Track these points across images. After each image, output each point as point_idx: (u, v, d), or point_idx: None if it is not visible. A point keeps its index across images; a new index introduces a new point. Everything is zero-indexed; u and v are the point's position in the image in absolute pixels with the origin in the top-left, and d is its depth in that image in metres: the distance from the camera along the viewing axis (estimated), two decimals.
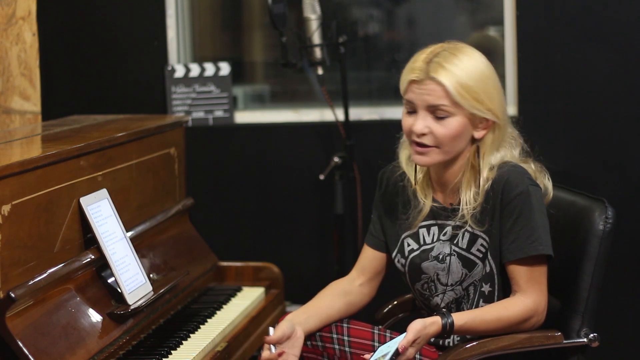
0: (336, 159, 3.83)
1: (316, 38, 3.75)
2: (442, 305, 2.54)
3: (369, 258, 2.69)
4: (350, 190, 3.85)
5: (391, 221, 2.62)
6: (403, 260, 2.58)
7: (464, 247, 2.48)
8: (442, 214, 2.52)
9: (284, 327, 2.45)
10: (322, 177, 3.87)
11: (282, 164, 4.11)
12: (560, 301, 2.58)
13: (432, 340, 2.55)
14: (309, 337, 2.54)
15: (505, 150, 2.48)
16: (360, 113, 4.02)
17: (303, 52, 3.79)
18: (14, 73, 3.64)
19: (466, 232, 2.48)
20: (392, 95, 4.11)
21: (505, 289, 2.48)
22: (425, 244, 2.54)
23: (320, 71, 3.80)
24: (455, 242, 2.49)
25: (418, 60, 2.42)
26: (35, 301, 2.35)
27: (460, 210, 2.46)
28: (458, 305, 2.52)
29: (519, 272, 2.42)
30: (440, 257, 2.51)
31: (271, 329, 2.46)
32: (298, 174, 4.09)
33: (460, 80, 2.36)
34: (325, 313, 2.59)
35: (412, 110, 2.43)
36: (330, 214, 3.93)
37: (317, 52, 3.76)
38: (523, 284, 2.42)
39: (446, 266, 2.50)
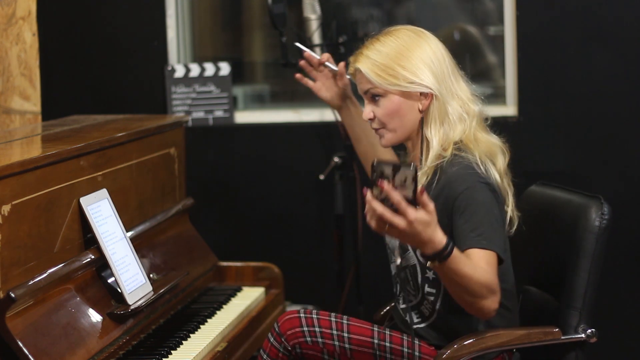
0: (336, 159, 3.83)
1: (316, 38, 3.74)
2: (393, 272, 2.63)
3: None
4: (350, 190, 3.85)
5: None
6: None
7: None
8: None
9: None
10: (322, 177, 3.87)
11: (282, 164, 4.11)
12: (558, 298, 2.59)
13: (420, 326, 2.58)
14: (310, 333, 2.55)
15: (460, 124, 2.53)
16: None
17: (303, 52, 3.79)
18: (14, 73, 3.64)
19: None
20: None
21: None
22: None
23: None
24: None
25: (353, 56, 2.61)
26: (35, 301, 2.35)
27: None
28: (401, 282, 2.59)
29: (474, 256, 2.37)
30: None
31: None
32: (298, 174, 4.09)
33: (375, 62, 2.52)
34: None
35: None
36: (330, 214, 3.93)
37: (317, 52, 3.76)
38: (483, 264, 2.38)
39: (392, 240, 2.60)
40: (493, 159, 2.53)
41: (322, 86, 2.95)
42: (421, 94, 2.51)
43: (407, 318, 2.61)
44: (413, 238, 2.16)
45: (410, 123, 2.55)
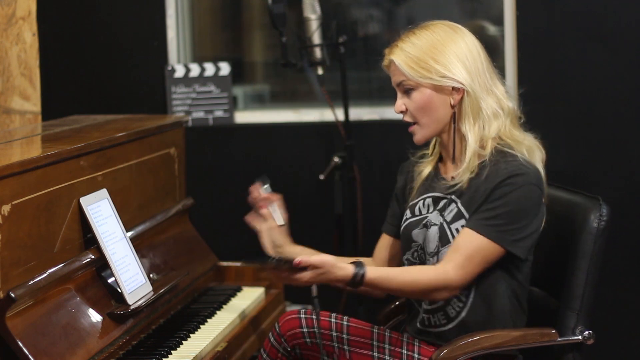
0: (336, 159, 3.83)
1: (316, 38, 3.75)
2: None
3: (382, 245, 2.80)
4: (350, 190, 3.85)
5: (403, 201, 2.72)
6: (401, 230, 2.67)
7: (449, 220, 2.53)
8: (442, 185, 2.58)
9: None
10: (322, 177, 3.87)
11: (282, 164, 4.11)
12: (556, 299, 2.58)
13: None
14: (309, 334, 2.55)
15: (495, 120, 2.54)
16: (360, 113, 4.02)
17: (303, 52, 3.79)
18: (14, 73, 3.64)
19: (455, 207, 2.52)
20: (392, 95, 4.09)
21: (481, 276, 2.49)
22: (420, 214, 2.61)
23: (320, 71, 3.80)
24: (444, 213, 2.54)
25: (388, 48, 2.60)
26: (35, 301, 2.35)
27: (458, 179, 2.54)
28: None
29: (464, 242, 2.44)
30: (428, 224, 2.58)
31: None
32: (298, 174, 4.09)
33: (409, 54, 2.52)
34: None
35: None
36: (330, 214, 3.93)
37: (317, 52, 3.76)
38: (458, 255, 2.43)
39: (428, 233, 2.56)
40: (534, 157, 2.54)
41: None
42: (453, 88, 2.51)
43: (430, 321, 2.57)
44: (325, 280, 2.39)
45: (442, 117, 2.54)
